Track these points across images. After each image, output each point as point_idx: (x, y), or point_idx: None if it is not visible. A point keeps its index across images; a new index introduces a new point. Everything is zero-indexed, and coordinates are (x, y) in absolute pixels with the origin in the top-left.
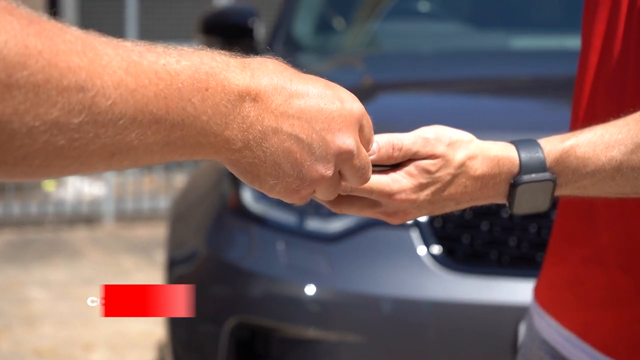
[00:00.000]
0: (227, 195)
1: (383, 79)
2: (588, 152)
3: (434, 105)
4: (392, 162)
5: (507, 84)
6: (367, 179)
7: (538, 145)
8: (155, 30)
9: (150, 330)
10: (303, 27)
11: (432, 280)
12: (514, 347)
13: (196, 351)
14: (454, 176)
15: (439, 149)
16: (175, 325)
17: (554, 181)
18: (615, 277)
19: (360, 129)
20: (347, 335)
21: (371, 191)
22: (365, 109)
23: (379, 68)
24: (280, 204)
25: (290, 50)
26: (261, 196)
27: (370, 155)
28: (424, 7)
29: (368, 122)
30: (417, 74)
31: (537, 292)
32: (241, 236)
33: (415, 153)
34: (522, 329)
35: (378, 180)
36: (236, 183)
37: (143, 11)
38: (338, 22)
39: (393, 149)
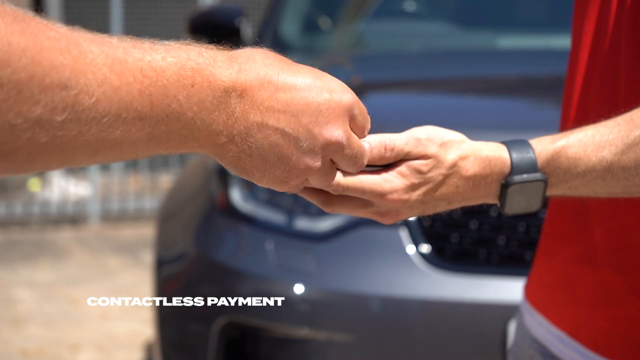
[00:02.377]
0: (215, 194)
1: (371, 79)
2: (579, 152)
3: (423, 104)
4: (384, 162)
5: (494, 84)
6: (361, 166)
7: (529, 145)
8: (140, 30)
9: (138, 331)
10: (290, 27)
11: (421, 279)
12: (502, 346)
13: (185, 351)
14: (446, 176)
15: (431, 150)
16: (164, 325)
17: (545, 181)
18: (607, 275)
19: (352, 119)
20: (336, 335)
21: (363, 191)
22: None
23: (367, 68)
24: (269, 203)
25: (277, 50)
26: (250, 196)
27: None
28: (410, 6)
29: (361, 110)
30: (405, 73)
31: (528, 291)
32: (230, 236)
33: (408, 153)
34: (512, 328)
35: (370, 180)
36: (225, 182)
37: (128, 11)
38: (325, 22)
39: (385, 149)
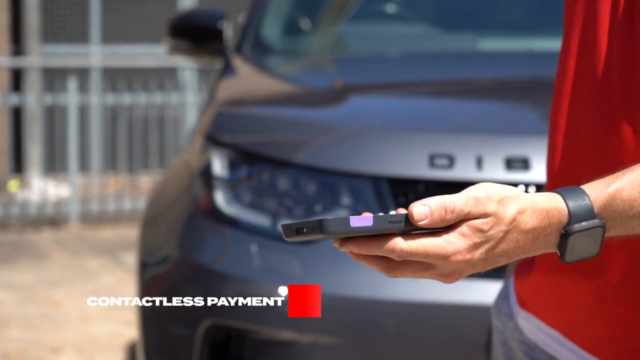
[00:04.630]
0: (199, 197)
1: (353, 81)
2: (633, 194)
3: (405, 107)
4: (445, 224)
5: (475, 86)
6: None
7: (583, 192)
8: (118, 32)
9: (118, 332)
10: (272, 29)
11: (405, 281)
12: (487, 347)
13: (169, 354)
14: (506, 232)
15: (491, 208)
16: (148, 328)
17: (603, 227)
18: (599, 283)
19: None
20: (321, 337)
21: (427, 255)
22: (338, 111)
23: (349, 70)
24: (253, 206)
25: (259, 52)
26: (234, 198)
27: (422, 219)
28: (391, 9)
29: None
30: (387, 76)
31: (519, 294)
32: (214, 238)
33: (468, 213)
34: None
35: (432, 244)
36: (209, 185)
37: (107, 13)
38: (307, 25)
39: (446, 211)
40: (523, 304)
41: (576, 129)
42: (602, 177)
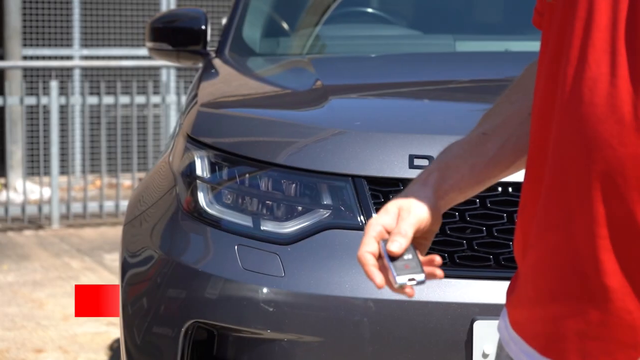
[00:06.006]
0: (181, 197)
1: (334, 83)
2: None
3: (386, 108)
4: None
5: (455, 87)
6: None
7: None
8: (99, 34)
9: (102, 333)
10: (253, 31)
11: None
12: (469, 344)
13: (152, 353)
14: None
15: None
16: (131, 328)
17: None
18: (584, 309)
19: None
20: (302, 336)
21: None
22: (318, 112)
23: (329, 71)
24: (235, 206)
25: (240, 54)
26: (216, 199)
27: None
28: (370, 11)
29: None
30: (367, 77)
31: (510, 316)
32: (196, 239)
33: None
34: (478, 326)
35: None
36: (191, 185)
37: (86, 13)
38: (288, 27)
39: None
40: (513, 326)
41: (570, 136)
42: (600, 187)
